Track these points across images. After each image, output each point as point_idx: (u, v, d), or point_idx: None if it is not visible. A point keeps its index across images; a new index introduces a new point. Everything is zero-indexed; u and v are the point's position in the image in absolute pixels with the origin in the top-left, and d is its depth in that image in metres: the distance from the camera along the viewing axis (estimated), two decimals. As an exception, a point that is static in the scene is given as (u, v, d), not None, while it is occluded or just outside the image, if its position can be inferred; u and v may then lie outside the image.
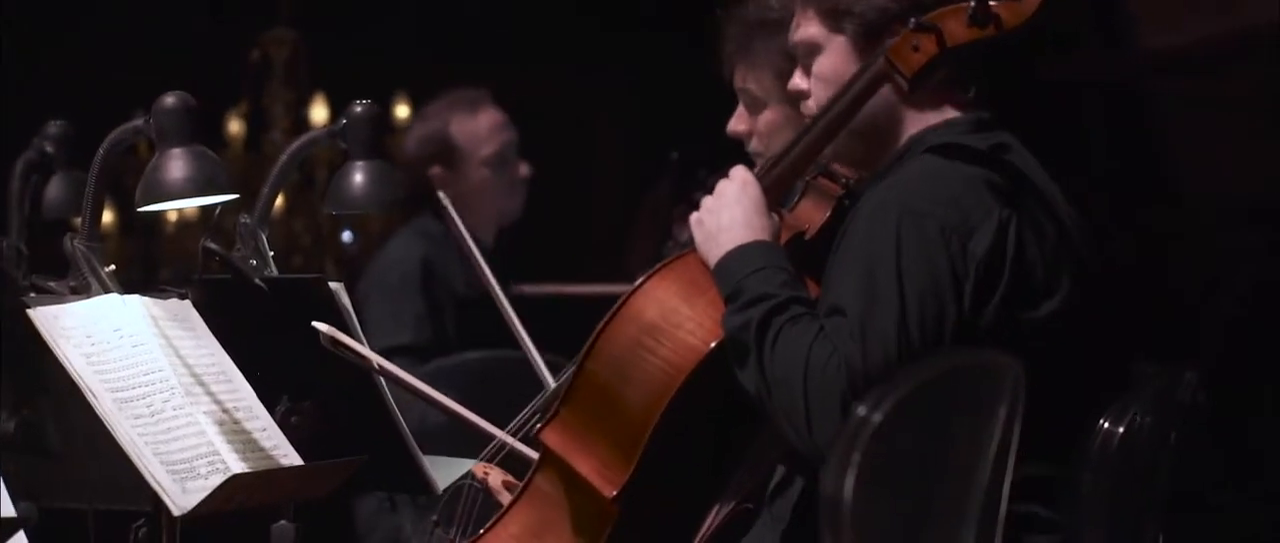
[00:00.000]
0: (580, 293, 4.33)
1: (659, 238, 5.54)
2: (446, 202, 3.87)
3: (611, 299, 5.12)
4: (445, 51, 7.42)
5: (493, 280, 3.68)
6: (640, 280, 2.96)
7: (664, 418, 2.84)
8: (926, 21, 2.86)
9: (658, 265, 3.00)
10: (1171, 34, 4.32)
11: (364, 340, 3.13)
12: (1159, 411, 2.93)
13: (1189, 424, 2.98)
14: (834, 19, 2.98)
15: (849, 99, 2.93)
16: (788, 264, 2.89)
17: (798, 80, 3.07)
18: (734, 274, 2.87)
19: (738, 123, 3.42)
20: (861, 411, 2.42)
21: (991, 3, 2.86)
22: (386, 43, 7.35)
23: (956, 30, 2.86)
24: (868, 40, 2.95)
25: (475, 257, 3.74)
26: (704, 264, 2.94)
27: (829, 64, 3.00)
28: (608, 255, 7.66)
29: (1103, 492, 2.85)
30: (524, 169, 5.31)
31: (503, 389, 3.54)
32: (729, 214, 2.93)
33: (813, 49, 3.02)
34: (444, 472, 3.27)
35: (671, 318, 2.89)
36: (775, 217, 2.97)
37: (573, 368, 2.98)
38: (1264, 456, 4.45)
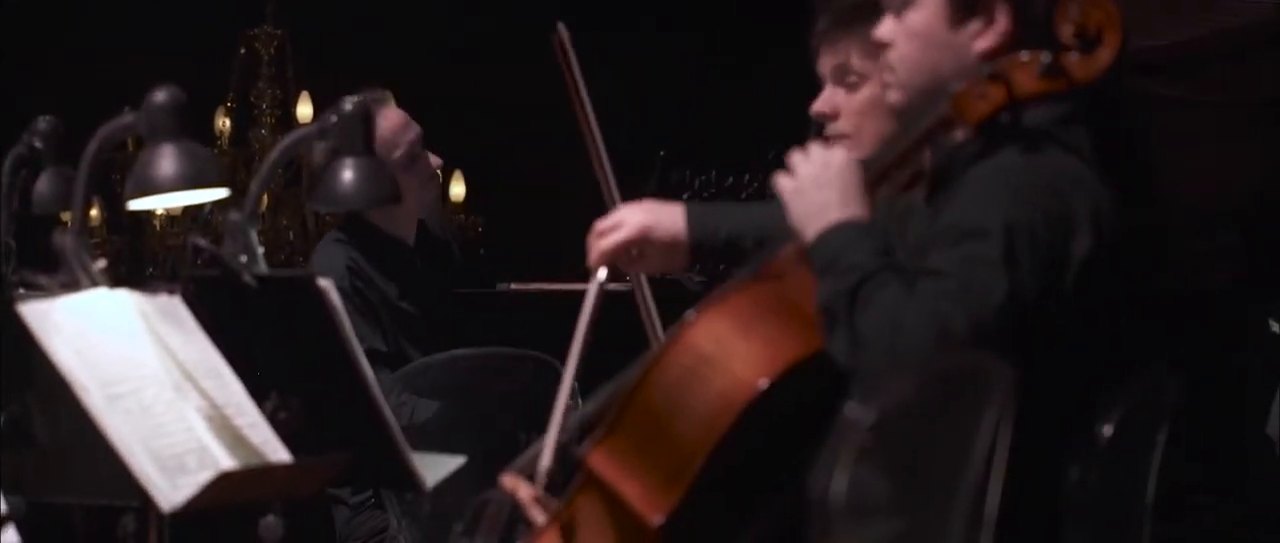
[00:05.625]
0: (568, 291, 4.31)
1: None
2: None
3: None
4: (429, 48, 7.42)
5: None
6: (696, 311, 2.95)
7: (715, 450, 2.83)
8: (996, 72, 2.82)
9: (713, 296, 2.98)
10: (1147, 36, 4.32)
11: (355, 340, 3.13)
12: (1144, 411, 2.94)
13: (1174, 425, 2.99)
14: None
15: (911, 139, 2.90)
16: (883, 240, 2.86)
17: (884, 30, 3.01)
18: (830, 248, 2.84)
19: (824, 104, 3.39)
20: (850, 411, 2.43)
21: (1066, 58, 2.81)
22: (371, 39, 7.35)
23: (1026, 83, 2.82)
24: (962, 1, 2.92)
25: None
26: (760, 299, 2.93)
27: (920, 19, 2.95)
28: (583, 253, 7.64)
29: (1088, 492, 2.86)
30: (435, 161, 5.27)
31: (492, 387, 3.53)
32: (833, 191, 2.89)
33: (907, 1, 2.97)
34: (433, 469, 3.26)
35: (727, 351, 2.88)
36: (870, 201, 2.92)
37: (621, 393, 2.97)
38: (1248, 455, 4.47)
